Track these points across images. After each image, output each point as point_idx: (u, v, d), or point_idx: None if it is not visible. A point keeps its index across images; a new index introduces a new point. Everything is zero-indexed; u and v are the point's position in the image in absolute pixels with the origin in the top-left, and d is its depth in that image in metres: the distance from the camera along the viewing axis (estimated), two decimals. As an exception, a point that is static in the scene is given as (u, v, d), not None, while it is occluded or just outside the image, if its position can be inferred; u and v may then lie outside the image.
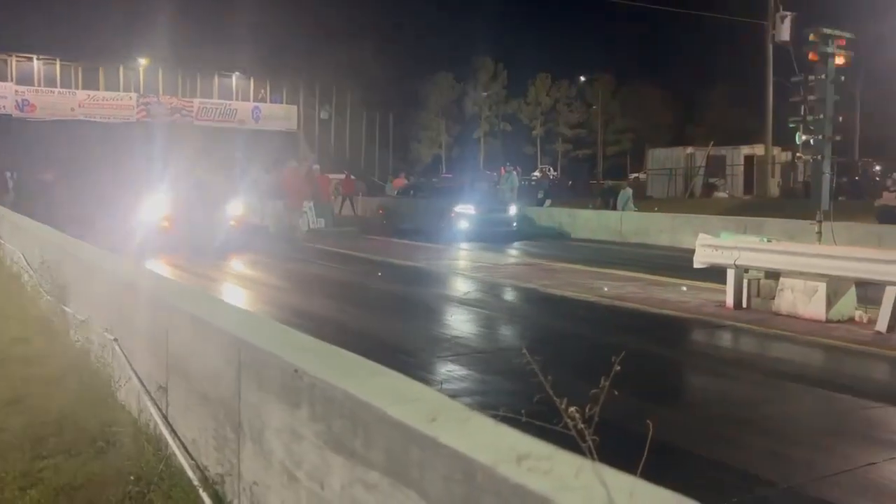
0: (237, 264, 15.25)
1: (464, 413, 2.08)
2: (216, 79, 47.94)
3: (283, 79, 49.00)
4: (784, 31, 29.54)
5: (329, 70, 48.44)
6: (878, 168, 32.78)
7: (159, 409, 4.31)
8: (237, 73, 48.29)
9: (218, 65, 46.35)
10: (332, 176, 29.35)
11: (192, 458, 3.76)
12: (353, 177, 33.05)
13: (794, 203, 25.40)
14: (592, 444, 1.61)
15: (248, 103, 48.89)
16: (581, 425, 1.63)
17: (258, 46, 42.08)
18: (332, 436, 2.50)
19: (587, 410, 1.69)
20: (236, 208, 17.60)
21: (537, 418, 1.85)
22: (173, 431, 4.06)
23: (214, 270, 13.76)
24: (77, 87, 43.39)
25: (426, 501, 1.98)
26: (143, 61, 45.16)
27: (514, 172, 30.85)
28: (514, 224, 20.77)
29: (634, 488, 1.45)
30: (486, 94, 64.35)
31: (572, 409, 1.66)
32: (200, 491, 3.43)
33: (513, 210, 21.48)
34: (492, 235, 19.22)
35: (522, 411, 1.91)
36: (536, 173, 58.91)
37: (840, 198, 21.64)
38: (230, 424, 3.37)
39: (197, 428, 3.82)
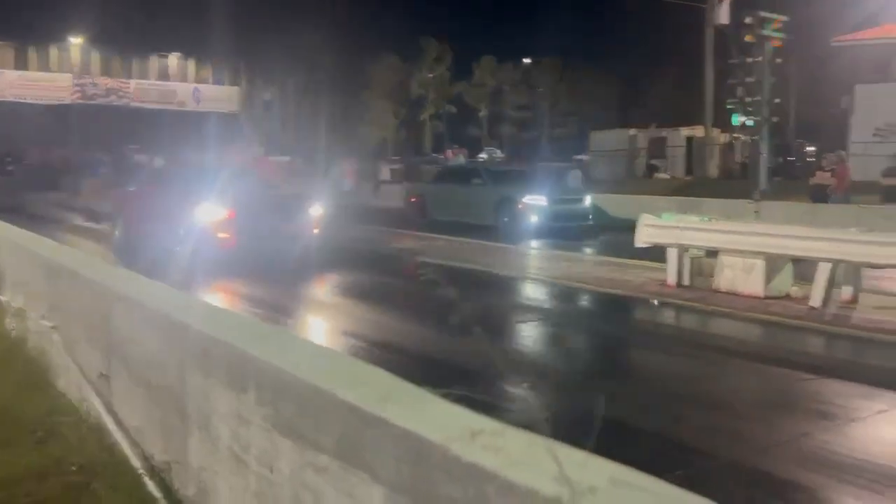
0: (319, 290, 11.07)
1: (416, 394, 2.08)
2: (154, 59, 46.60)
3: (224, 60, 47.92)
4: (722, 14, 30.23)
5: (272, 51, 47.60)
6: (811, 149, 33.82)
7: (101, 398, 4.21)
8: (176, 53, 47.02)
9: (155, 45, 45.08)
10: (272, 159, 28.86)
11: (138, 447, 3.69)
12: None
13: (732, 183, 26.04)
14: (545, 420, 1.63)
15: (188, 84, 47.72)
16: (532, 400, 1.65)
17: (198, 26, 41.10)
18: (280, 420, 2.48)
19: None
20: (316, 210, 12.74)
21: (492, 398, 1.86)
22: (117, 420, 3.97)
23: (299, 302, 10.08)
24: (7, 68, 41.73)
25: (377, 482, 1.98)
26: (75, 41, 43.62)
27: (462, 154, 30.90)
28: (591, 217, 17.47)
29: (586, 462, 1.47)
30: (431, 75, 64.09)
31: (523, 384, 1.67)
32: (147, 479, 3.38)
33: (588, 200, 17.91)
34: (564, 231, 16.09)
35: (476, 389, 1.92)
36: (483, 155, 59.03)
37: (776, 178, 22.26)
38: (176, 411, 3.31)
39: (141, 416, 3.75)
